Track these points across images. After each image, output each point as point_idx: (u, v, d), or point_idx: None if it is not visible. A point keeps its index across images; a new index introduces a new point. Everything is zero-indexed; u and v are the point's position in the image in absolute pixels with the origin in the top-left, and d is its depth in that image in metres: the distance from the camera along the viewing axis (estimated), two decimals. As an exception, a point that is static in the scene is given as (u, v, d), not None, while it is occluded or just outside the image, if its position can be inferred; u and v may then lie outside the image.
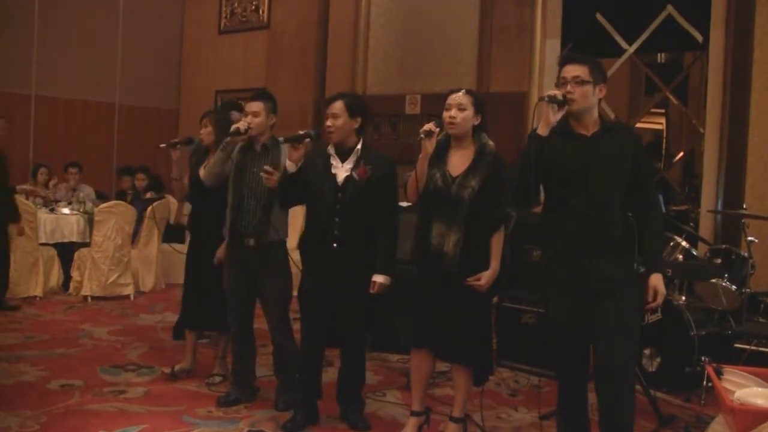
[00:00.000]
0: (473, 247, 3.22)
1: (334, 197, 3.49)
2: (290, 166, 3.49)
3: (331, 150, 3.55)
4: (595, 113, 2.91)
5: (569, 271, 2.89)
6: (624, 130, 3.02)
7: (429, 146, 3.21)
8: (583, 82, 2.83)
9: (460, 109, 3.25)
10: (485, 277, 3.23)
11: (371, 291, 3.47)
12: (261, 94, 3.93)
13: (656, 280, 2.90)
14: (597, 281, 2.85)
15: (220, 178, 3.88)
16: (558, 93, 2.81)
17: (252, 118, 3.78)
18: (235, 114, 4.96)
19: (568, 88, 2.83)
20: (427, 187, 3.27)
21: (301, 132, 3.47)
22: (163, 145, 4.40)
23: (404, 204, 4.13)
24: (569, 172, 2.87)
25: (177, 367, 4.37)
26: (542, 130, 2.81)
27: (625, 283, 2.87)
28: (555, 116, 2.79)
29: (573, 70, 2.85)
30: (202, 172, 4.07)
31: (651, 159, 8.10)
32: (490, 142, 3.31)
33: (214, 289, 3.99)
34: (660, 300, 2.92)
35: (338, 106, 3.51)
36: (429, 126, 3.20)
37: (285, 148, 3.77)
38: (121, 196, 7.66)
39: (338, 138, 3.52)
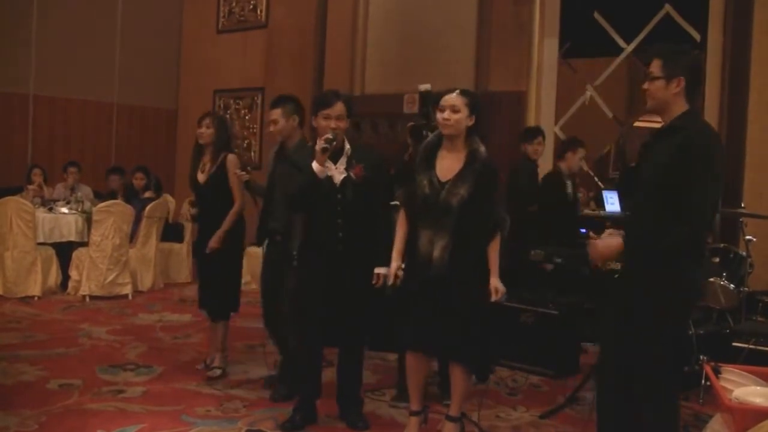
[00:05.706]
0: (463, 253, 3.19)
1: (335, 199, 3.49)
2: (321, 171, 3.42)
3: None
4: (673, 109, 2.77)
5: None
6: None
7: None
8: (655, 79, 2.75)
9: (453, 111, 3.22)
10: (494, 290, 3.21)
11: (377, 283, 3.49)
12: (278, 100, 4.07)
13: None
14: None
15: None
16: None
17: (273, 126, 3.99)
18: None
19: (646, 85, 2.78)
20: (415, 195, 3.27)
21: (330, 136, 3.40)
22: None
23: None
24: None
25: (208, 360, 4.49)
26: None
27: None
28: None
29: (653, 66, 2.76)
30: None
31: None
32: (482, 147, 3.27)
33: (213, 279, 4.31)
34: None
35: (341, 108, 3.49)
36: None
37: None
38: (112, 196, 7.57)
39: (339, 139, 3.51)
